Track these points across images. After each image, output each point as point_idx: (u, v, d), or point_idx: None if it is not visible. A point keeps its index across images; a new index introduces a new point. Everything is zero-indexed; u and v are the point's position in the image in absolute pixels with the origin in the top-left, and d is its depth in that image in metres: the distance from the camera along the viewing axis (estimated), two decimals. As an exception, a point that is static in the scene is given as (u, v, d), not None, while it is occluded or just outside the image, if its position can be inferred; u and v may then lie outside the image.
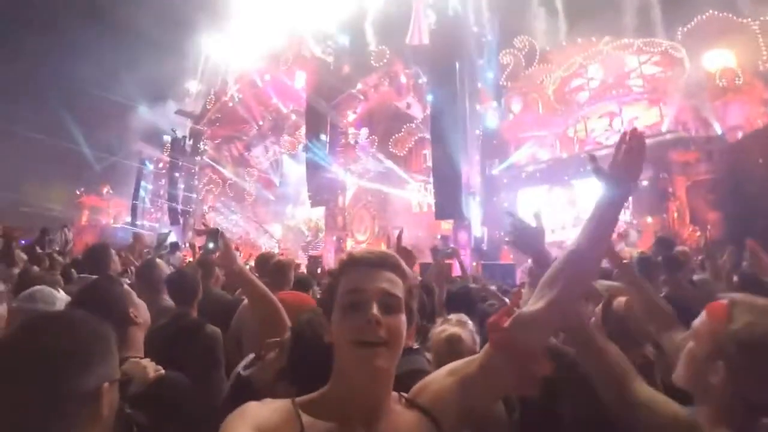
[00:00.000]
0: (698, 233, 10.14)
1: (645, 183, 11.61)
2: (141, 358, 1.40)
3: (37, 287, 1.88)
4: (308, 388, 0.89)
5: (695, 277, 3.38)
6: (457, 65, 12.10)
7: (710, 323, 1.03)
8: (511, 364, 0.84)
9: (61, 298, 1.81)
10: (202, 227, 2.26)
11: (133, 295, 1.59)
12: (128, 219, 23.21)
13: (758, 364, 0.93)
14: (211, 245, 1.85)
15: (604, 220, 0.93)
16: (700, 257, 4.24)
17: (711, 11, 13.84)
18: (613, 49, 13.53)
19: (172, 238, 13.61)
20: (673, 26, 13.94)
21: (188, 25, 21.51)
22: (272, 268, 2.90)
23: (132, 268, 3.72)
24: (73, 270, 3.49)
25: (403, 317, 0.86)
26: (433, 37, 12.94)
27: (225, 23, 19.51)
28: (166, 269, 2.78)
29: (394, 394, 0.89)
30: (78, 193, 26.49)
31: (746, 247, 2.98)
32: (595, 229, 0.93)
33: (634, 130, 0.97)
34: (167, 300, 2.51)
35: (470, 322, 1.99)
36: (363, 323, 0.81)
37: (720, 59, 13.46)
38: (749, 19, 13.15)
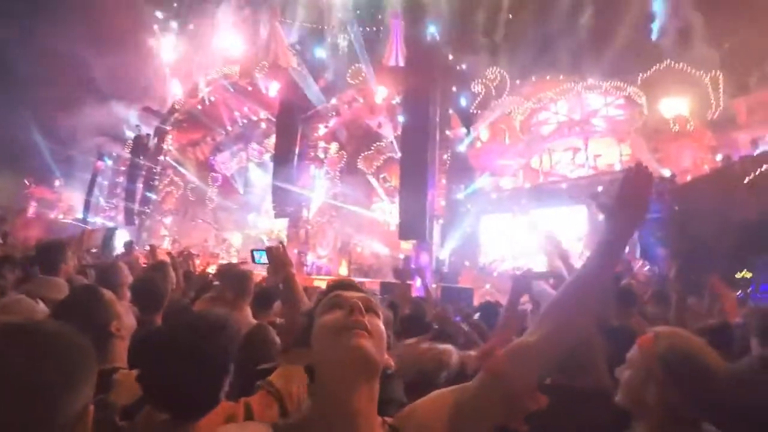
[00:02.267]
0: (647, 268, 10.67)
1: (601, 217, 12.14)
2: (128, 369, 1.37)
3: (16, 297, 1.75)
4: None
5: (650, 310, 3.42)
6: (430, 90, 12.36)
7: (641, 352, 1.21)
8: (503, 394, 0.82)
9: (42, 310, 1.67)
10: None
11: (116, 304, 1.55)
12: (80, 215, 21.97)
13: (680, 379, 1.11)
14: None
15: (607, 256, 0.91)
16: (649, 291, 4.33)
17: (668, 61, 14.92)
18: (583, 88, 14.27)
19: (124, 236, 13.01)
20: (633, 72, 14.92)
21: (162, 21, 21.04)
22: (235, 277, 2.82)
23: (90, 270, 3.53)
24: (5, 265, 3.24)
25: (383, 325, 0.84)
26: (410, 60, 13.20)
27: (200, 23, 19.20)
28: (128, 274, 2.67)
29: (379, 418, 0.84)
30: (26, 183, 24.94)
31: (703, 284, 3.12)
32: (597, 265, 0.90)
33: (639, 164, 0.97)
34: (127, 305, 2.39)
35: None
36: (345, 312, 0.80)
37: (674, 106, 14.49)
38: (702, 72, 14.26)
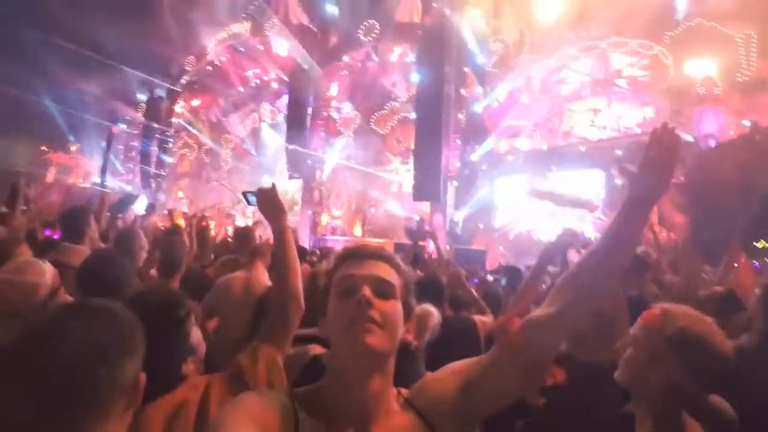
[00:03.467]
0: (664, 233, 10.52)
1: (619, 182, 11.90)
2: None
3: (25, 259, 1.78)
4: None
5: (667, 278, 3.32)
6: (445, 48, 11.95)
7: (646, 330, 1.17)
8: (518, 368, 0.81)
9: (49, 270, 1.69)
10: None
11: (135, 277, 1.73)
12: (97, 179, 22.33)
13: (689, 362, 1.09)
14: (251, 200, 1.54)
15: (630, 223, 0.87)
16: (667, 259, 4.22)
17: (699, 20, 14.07)
18: (609, 45, 13.60)
19: (143, 201, 13.22)
20: (659, 30, 14.15)
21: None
22: (238, 236, 2.85)
23: (110, 233, 3.61)
24: (36, 232, 3.34)
25: (399, 305, 0.84)
26: (424, 16, 12.70)
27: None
28: (144, 239, 2.74)
29: (394, 390, 0.86)
30: (44, 149, 25.30)
31: (719, 253, 3.04)
32: (619, 232, 0.86)
33: (665, 125, 0.92)
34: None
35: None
36: (355, 304, 0.80)
37: (701, 68, 13.78)
38: (734, 31, 13.44)
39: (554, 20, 14.31)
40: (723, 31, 13.52)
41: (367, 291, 0.80)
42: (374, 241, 11.34)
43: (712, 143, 12.25)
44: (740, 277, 3.11)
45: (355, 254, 0.88)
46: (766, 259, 7.18)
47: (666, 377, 1.09)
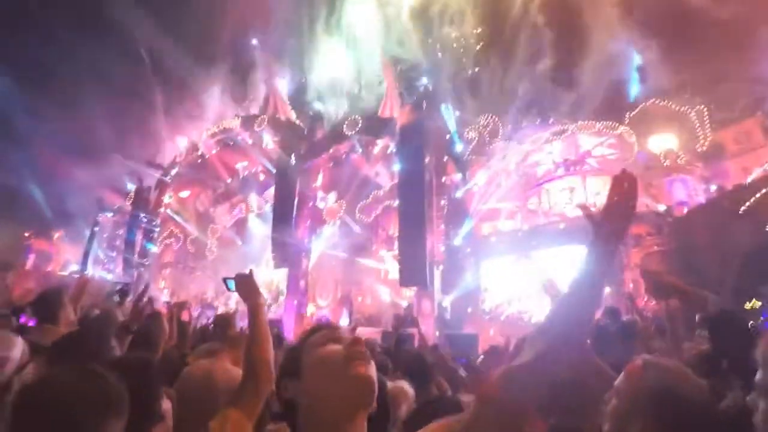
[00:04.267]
0: (653, 302, 10.52)
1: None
2: None
3: None
4: None
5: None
6: (425, 138, 12.70)
7: (628, 381, 1.18)
8: (499, 420, 0.79)
9: (19, 344, 1.66)
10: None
11: (116, 350, 1.64)
12: (77, 266, 21.84)
13: (666, 413, 1.08)
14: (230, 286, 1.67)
15: (597, 264, 0.88)
16: (654, 325, 4.29)
17: (654, 100, 15.50)
18: (578, 128, 14.67)
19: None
20: (621, 111, 15.46)
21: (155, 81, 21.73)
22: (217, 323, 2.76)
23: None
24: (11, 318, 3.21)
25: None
26: (403, 110, 13.64)
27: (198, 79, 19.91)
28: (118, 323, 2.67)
29: None
30: (26, 235, 24.98)
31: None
32: (587, 275, 0.88)
33: (624, 170, 0.97)
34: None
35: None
36: (347, 344, 0.82)
37: (663, 142, 14.88)
38: (687, 108, 14.77)
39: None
40: (677, 109, 14.85)
41: (353, 335, 0.85)
42: (362, 330, 11.05)
43: (684, 210, 12.79)
44: None
45: (326, 328, 0.94)
46: (759, 320, 7.09)
47: (643, 430, 1.08)
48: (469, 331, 11.39)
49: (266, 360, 1.42)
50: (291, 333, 11.78)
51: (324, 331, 0.91)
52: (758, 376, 1.18)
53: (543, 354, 0.83)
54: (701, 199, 13.15)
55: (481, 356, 5.26)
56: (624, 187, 0.94)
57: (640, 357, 1.24)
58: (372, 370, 0.81)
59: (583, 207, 0.97)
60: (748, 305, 7.99)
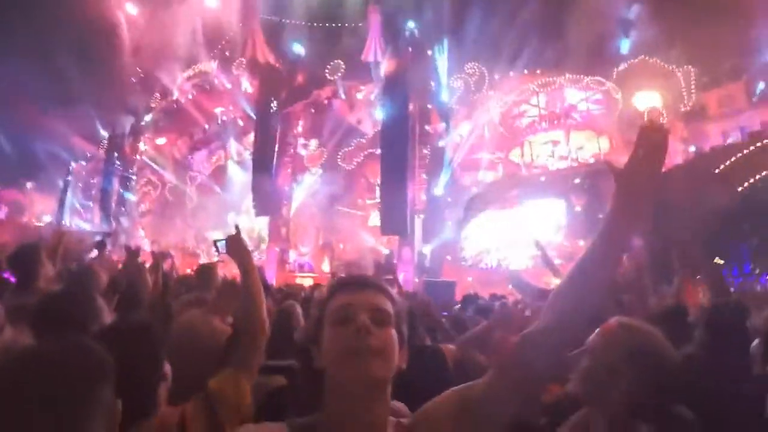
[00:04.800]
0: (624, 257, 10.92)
1: (578, 209, 12.40)
2: None
3: None
4: None
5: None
6: (408, 86, 12.38)
7: (604, 343, 1.18)
8: (516, 387, 0.79)
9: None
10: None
11: (105, 311, 1.53)
12: (53, 217, 21.32)
13: (646, 375, 1.11)
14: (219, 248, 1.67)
15: (619, 221, 0.83)
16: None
17: (643, 56, 15.30)
18: (566, 81, 14.46)
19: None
20: (607, 66, 15.25)
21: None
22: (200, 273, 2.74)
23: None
24: None
25: (394, 332, 0.82)
26: (388, 56, 13.17)
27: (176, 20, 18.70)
28: (103, 280, 2.52)
29: (392, 419, 0.83)
30: (-6, 185, 24.09)
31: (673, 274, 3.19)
32: (607, 238, 0.82)
33: (652, 120, 0.90)
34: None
35: None
36: (353, 332, 0.78)
37: (648, 100, 14.86)
38: (674, 66, 14.65)
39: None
40: (665, 67, 14.73)
41: (365, 318, 0.79)
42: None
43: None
44: (687, 296, 3.27)
45: (349, 284, 0.87)
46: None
47: (625, 391, 1.10)
48: (447, 279, 11.67)
49: (262, 318, 1.45)
50: (273, 280, 11.90)
51: (342, 300, 0.83)
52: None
53: (562, 320, 0.81)
54: (679, 159, 13.36)
55: (458, 304, 5.43)
56: (651, 140, 0.84)
57: (615, 318, 1.23)
58: (376, 363, 0.78)
59: (608, 162, 0.88)
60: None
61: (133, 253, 3.65)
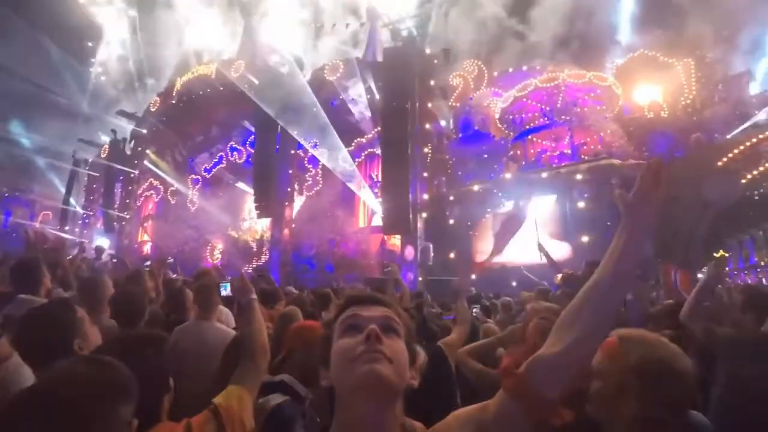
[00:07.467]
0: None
1: (581, 205, 12.35)
2: None
3: None
4: None
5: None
6: (408, 85, 12.34)
7: (608, 361, 1.17)
8: (527, 412, 0.78)
9: None
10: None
11: (86, 321, 1.58)
12: (57, 224, 21.38)
13: (658, 386, 1.10)
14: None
15: (629, 249, 0.84)
16: None
17: (642, 50, 15.24)
18: (568, 77, 14.40)
19: (104, 245, 12.69)
20: (606, 61, 15.20)
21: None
22: (197, 290, 2.71)
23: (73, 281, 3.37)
24: None
25: (404, 345, 0.82)
26: (387, 55, 13.15)
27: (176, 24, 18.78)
28: (111, 288, 2.58)
29: None
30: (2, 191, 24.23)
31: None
32: (617, 262, 0.84)
33: (656, 160, 0.92)
34: (109, 320, 2.36)
35: None
36: (362, 338, 0.77)
37: (648, 94, 14.79)
38: (674, 60, 14.59)
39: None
40: (664, 61, 14.67)
41: (374, 326, 0.78)
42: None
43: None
44: (681, 285, 3.27)
45: (358, 299, 0.87)
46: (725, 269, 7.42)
47: (638, 408, 1.09)
48: (450, 277, 11.62)
49: (264, 347, 1.64)
50: (279, 282, 11.90)
51: (351, 311, 0.84)
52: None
53: (574, 344, 0.80)
54: (680, 152, 13.28)
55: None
56: (654, 176, 0.88)
57: (614, 333, 1.21)
58: (384, 367, 0.76)
59: (620, 195, 0.90)
60: (716, 255, 8.36)
61: (135, 273, 3.63)
